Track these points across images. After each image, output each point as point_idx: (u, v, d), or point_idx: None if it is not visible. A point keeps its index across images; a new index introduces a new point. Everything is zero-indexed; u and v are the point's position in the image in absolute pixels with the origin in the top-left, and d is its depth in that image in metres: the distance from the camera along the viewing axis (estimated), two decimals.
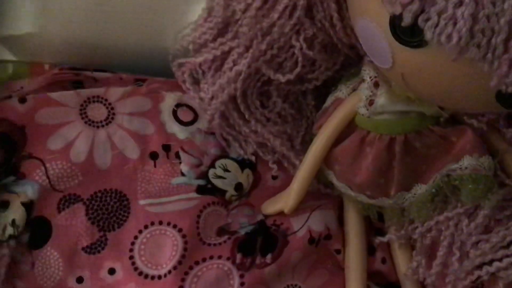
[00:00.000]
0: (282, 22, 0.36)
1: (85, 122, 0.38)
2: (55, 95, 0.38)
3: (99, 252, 0.36)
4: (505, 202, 0.38)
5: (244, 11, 0.36)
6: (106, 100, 0.39)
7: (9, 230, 0.35)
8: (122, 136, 0.39)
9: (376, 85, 0.37)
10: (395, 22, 0.29)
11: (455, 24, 0.26)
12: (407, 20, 0.27)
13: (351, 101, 0.38)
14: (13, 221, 0.35)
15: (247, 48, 0.38)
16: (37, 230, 0.36)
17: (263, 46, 0.37)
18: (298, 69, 0.38)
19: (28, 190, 0.35)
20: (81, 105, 0.39)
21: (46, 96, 0.38)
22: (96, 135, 0.38)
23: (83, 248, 0.36)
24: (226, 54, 0.39)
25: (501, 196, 0.37)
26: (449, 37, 0.27)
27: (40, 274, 0.36)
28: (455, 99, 0.32)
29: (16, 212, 0.35)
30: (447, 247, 0.38)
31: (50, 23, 0.40)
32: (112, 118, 0.39)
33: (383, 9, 0.29)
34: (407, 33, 0.28)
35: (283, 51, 0.38)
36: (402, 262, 0.41)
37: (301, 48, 0.38)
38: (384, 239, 0.41)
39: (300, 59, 0.38)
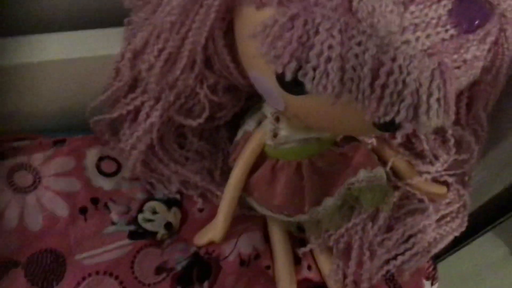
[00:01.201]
0: (185, 76, 0.39)
1: (14, 190, 0.41)
2: None
3: None
4: (401, 201, 0.44)
5: (149, 70, 0.40)
6: (30, 166, 0.42)
7: None
8: (50, 197, 0.41)
9: (277, 119, 0.41)
10: (279, 78, 0.33)
11: (328, 76, 0.31)
12: (288, 77, 0.32)
13: (257, 135, 0.42)
14: None
15: (157, 100, 0.41)
16: None
17: (171, 98, 0.41)
18: (206, 113, 0.42)
19: None
20: (8, 175, 0.41)
21: None
22: (25, 200, 0.41)
23: None
24: (138, 108, 0.42)
25: (396, 198, 0.43)
26: (325, 87, 0.31)
27: None
28: (342, 130, 0.37)
29: None
30: (358, 248, 0.43)
31: None
32: (39, 182, 0.42)
33: (269, 68, 0.33)
34: (291, 86, 0.33)
35: (190, 99, 0.41)
36: (325, 266, 0.47)
37: (205, 95, 0.41)
38: (306, 248, 0.46)
39: (206, 104, 0.42)
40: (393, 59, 0.31)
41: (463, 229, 0.44)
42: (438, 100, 0.32)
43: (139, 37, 0.39)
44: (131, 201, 0.44)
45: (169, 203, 0.45)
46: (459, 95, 0.41)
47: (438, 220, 0.43)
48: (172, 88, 0.40)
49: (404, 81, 0.31)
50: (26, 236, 0.40)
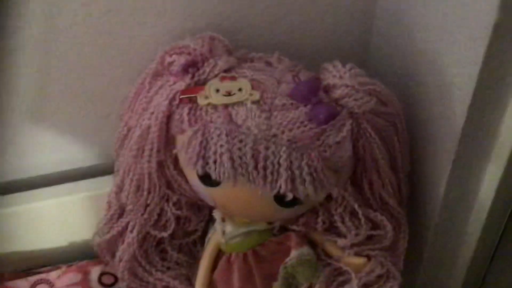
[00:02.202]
0: (152, 196, 0.54)
1: None
2: (11, 283, 0.54)
3: None
4: (332, 277, 0.52)
5: (126, 197, 0.54)
6: (48, 280, 0.55)
7: None
8: None
9: (223, 220, 0.54)
10: (198, 176, 0.47)
11: (223, 165, 0.45)
12: (200, 172, 0.46)
13: (213, 236, 0.55)
14: None
15: (136, 221, 0.55)
16: None
17: (146, 216, 0.55)
18: (173, 225, 0.55)
19: None
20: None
21: (5, 285, 0.53)
22: None
23: None
24: (125, 229, 0.56)
25: (327, 272, 0.52)
26: (223, 173, 0.45)
27: None
28: (257, 212, 0.49)
29: None
30: None
31: None
32: None
33: (192, 171, 0.47)
34: (205, 179, 0.47)
35: (161, 216, 0.55)
36: None
37: (171, 211, 0.55)
38: None
39: (173, 218, 0.55)
40: (267, 148, 0.44)
41: None
42: (309, 173, 0.45)
43: (119, 174, 0.55)
44: None
45: None
46: (361, 181, 0.52)
47: (364, 287, 0.51)
48: (145, 208, 0.55)
49: (278, 162, 0.45)
50: None
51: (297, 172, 0.45)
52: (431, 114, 0.55)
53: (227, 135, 0.45)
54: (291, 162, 0.45)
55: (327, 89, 0.48)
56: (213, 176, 0.46)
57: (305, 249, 0.52)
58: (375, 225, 0.54)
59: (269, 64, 0.52)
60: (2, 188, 0.58)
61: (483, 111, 0.51)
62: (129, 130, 0.53)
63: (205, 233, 0.59)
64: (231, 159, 0.45)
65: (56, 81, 0.55)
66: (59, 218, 0.58)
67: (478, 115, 0.51)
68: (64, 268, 0.57)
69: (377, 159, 0.51)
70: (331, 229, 0.54)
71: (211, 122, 0.46)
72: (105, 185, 0.57)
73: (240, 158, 0.45)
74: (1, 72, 0.53)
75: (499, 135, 0.53)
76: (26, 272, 0.58)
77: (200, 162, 0.46)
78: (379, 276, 0.52)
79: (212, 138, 0.45)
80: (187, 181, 0.54)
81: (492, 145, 0.54)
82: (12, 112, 0.55)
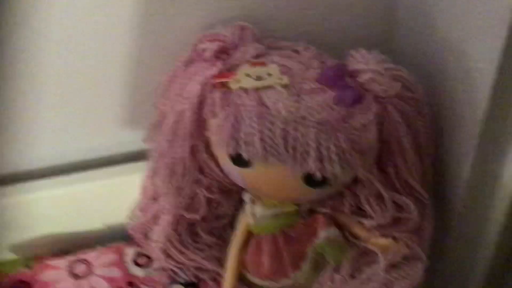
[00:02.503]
0: (185, 180, 0.56)
1: (73, 277, 0.57)
2: (51, 261, 0.57)
3: None
4: (360, 257, 0.54)
5: (161, 182, 0.57)
6: (86, 260, 0.59)
7: None
8: (98, 281, 0.57)
9: (253, 202, 0.56)
10: (230, 156, 0.49)
11: (254, 146, 0.47)
12: (233, 153, 0.48)
13: (243, 219, 0.57)
14: None
15: (170, 204, 0.58)
16: None
17: (179, 199, 0.57)
18: (205, 208, 0.57)
19: None
20: (69, 266, 0.58)
21: (45, 263, 0.57)
22: (80, 285, 0.57)
23: None
24: (159, 212, 0.59)
25: (355, 253, 0.54)
26: (254, 154, 0.47)
27: None
28: (286, 193, 0.51)
29: None
30: None
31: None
32: (91, 271, 0.58)
33: (226, 154, 0.50)
34: (238, 160, 0.49)
35: (193, 199, 0.58)
36: None
37: (203, 194, 0.57)
38: None
39: (204, 201, 0.57)
40: (296, 129, 0.47)
41: (418, 275, 0.52)
42: (337, 154, 0.47)
43: (153, 159, 0.57)
44: (159, 285, 0.58)
45: (188, 286, 0.58)
46: (386, 166, 0.54)
47: (391, 267, 0.53)
48: (178, 191, 0.57)
49: (307, 143, 0.47)
50: None
51: (325, 153, 0.47)
52: (454, 99, 0.56)
53: (258, 118, 0.47)
54: (319, 143, 0.47)
55: (353, 75, 0.50)
56: (245, 156, 0.48)
57: (333, 230, 0.54)
58: (400, 208, 0.55)
59: (296, 51, 0.54)
60: (42, 172, 0.62)
61: (505, 96, 0.52)
62: (163, 116, 0.56)
63: (235, 217, 0.61)
64: (262, 140, 0.47)
65: (93, 67, 0.57)
66: (96, 202, 0.61)
67: (500, 100, 0.52)
68: (101, 249, 0.60)
69: (402, 143, 0.52)
70: (358, 211, 0.56)
71: (243, 105, 0.49)
72: (140, 170, 0.60)
73: (271, 139, 0.47)
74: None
75: None
76: (66, 253, 0.61)
77: (233, 143, 0.48)
78: (405, 257, 0.54)
79: (243, 121, 0.48)
80: (218, 165, 0.56)
81: None
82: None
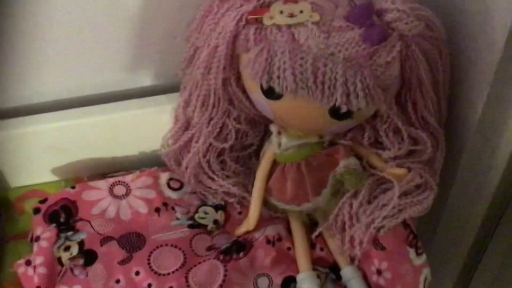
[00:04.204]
0: (216, 111, 0.60)
1: (113, 197, 0.63)
2: (92, 183, 0.62)
3: (127, 263, 0.57)
4: (376, 185, 0.59)
5: (193, 110, 0.61)
6: (124, 182, 0.64)
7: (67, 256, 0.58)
8: (136, 201, 0.63)
9: (279, 133, 0.60)
10: (262, 89, 0.53)
11: (286, 80, 0.50)
12: (265, 86, 0.52)
13: (269, 149, 0.61)
14: (71, 253, 0.58)
15: (201, 132, 0.62)
16: (88, 256, 0.57)
17: (210, 128, 0.61)
18: (233, 137, 0.62)
19: (82, 236, 0.59)
20: (109, 188, 0.63)
21: (87, 184, 0.62)
22: (120, 204, 0.62)
23: (117, 262, 0.57)
24: (190, 140, 0.63)
25: (371, 181, 0.59)
26: (286, 87, 0.51)
27: (92, 280, 0.56)
28: (312, 125, 0.55)
29: (73, 249, 0.58)
30: (348, 220, 0.58)
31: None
32: (129, 192, 0.63)
33: (257, 85, 0.53)
34: (269, 93, 0.53)
35: (223, 129, 0.62)
36: (332, 245, 0.61)
37: (232, 125, 0.62)
38: (316, 232, 0.61)
39: (233, 131, 0.62)
40: (325, 65, 0.50)
41: (429, 202, 0.57)
42: (362, 89, 0.50)
43: (186, 90, 0.61)
44: (190, 206, 0.64)
45: (217, 207, 0.64)
46: (405, 101, 0.58)
47: (404, 194, 0.57)
48: (209, 121, 0.61)
49: (335, 78, 0.50)
50: (119, 222, 0.61)
51: (351, 88, 0.51)
52: (472, 40, 0.59)
53: (289, 53, 0.51)
54: (346, 78, 0.51)
55: (380, 13, 0.53)
56: (277, 89, 0.52)
57: (352, 160, 0.58)
58: (416, 141, 0.60)
59: None
60: (81, 101, 0.66)
61: None
62: (196, 50, 0.59)
63: (260, 148, 0.66)
64: (293, 74, 0.51)
65: (124, 2, 0.60)
66: (133, 129, 0.66)
67: None
68: (137, 173, 0.65)
69: (422, 80, 0.56)
70: (376, 144, 0.60)
71: (275, 41, 0.52)
72: (172, 101, 0.64)
73: (301, 73, 0.51)
74: None
75: None
76: (103, 176, 0.66)
77: (265, 76, 0.52)
78: (418, 186, 0.59)
79: (276, 55, 0.51)
80: (247, 97, 0.60)
81: None
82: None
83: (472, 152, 0.66)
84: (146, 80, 0.67)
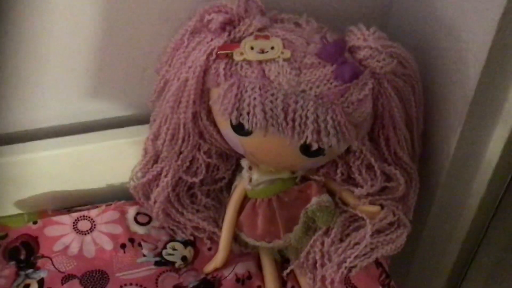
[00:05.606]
0: (185, 145, 0.59)
1: (77, 233, 0.60)
2: (55, 218, 0.60)
3: None
4: (348, 222, 0.58)
5: (162, 144, 0.59)
6: (89, 217, 0.61)
7: None
8: (100, 237, 0.61)
9: (250, 168, 0.59)
10: (231, 125, 0.52)
11: (256, 117, 0.49)
12: (234, 122, 0.51)
13: (240, 183, 0.60)
14: None
15: (170, 166, 0.60)
16: None
17: (179, 162, 0.60)
18: (203, 172, 0.60)
19: (42, 274, 0.56)
20: (73, 223, 0.61)
21: (50, 219, 0.59)
22: (84, 239, 0.60)
23: None
24: (159, 173, 0.61)
25: (343, 218, 0.57)
26: (255, 124, 0.49)
27: None
28: (283, 162, 0.54)
29: None
30: (320, 259, 0.56)
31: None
32: (94, 227, 0.61)
33: (226, 121, 0.52)
34: (239, 129, 0.51)
35: (193, 163, 0.60)
36: (304, 284, 0.60)
37: (203, 159, 0.60)
38: (287, 270, 0.59)
39: (203, 165, 0.60)
40: (296, 102, 0.49)
41: (402, 240, 0.56)
42: (333, 126, 0.49)
43: (155, 123, 0.60)
44: (158, 242, 0.62)
45: (186, 243, 0.62)
46: (378, 137, 0.57)
47: (377, 232, 0.56)
48: (178, 155, 0.60)
49: (306, 115, 0.49)
50: (82, 260, 0.58)
51: (322, 125, 0.50)
52: (445, 77, 0.59)
53: (260, 89, 0.50)
54: (317, 115, 0.50)
55: (352, 50, 0.52)
56: (246, 126, 0.51)
57: (325, 197, 0.57)
58: (389, 178, 0.59)
59: (298, 25, 0.56)
60: (47, 132, 0.64)
61: (494, 77, 0.55)
62: (166, 83, 0.58)
63: (231, 182, 0.65)
64: (263, 111, 0.50)
65: (96, 33, 0.59)
66: (101, 161, 0.63)
67: (489, 80, 0.55)
68: (103, 207, 0.63)
69: (395, 117, 0.55)
70: (349, 180, 0.59)
71: (246, 76, 0.51)
72: (141, 133, 0.63)
73: (272, 110, 0.50)
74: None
75: (507, 100, 0.57)
76: (68, 209, 0.64)
77: (235, 113, 0.51)
78: (391, 223, 0.58)
79: (246, 91, 0.50)
80: (218, 131, 0.58)
81: (500, 109, 0.58)
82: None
83: (446, 188, 0.65)
84: (115, 111, 0.65)
